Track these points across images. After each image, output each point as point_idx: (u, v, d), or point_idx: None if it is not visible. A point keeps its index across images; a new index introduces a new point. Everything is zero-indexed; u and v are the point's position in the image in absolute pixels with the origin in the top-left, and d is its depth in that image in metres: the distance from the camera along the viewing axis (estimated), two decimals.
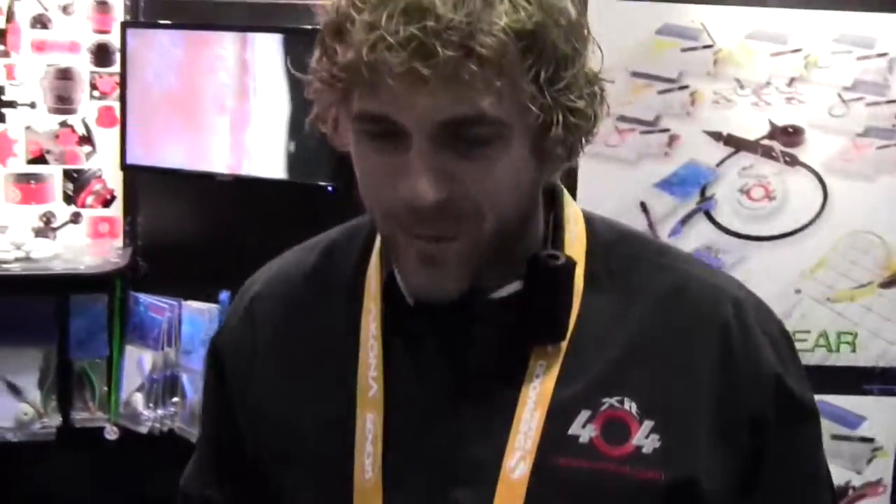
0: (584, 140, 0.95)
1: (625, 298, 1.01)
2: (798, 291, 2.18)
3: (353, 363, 1.01)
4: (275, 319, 1.09)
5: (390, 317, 1.02)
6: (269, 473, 1.07)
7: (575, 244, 1.02)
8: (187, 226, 3.10)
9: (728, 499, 0.99)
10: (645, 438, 0.96)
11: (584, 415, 0.97)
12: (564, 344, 0.98)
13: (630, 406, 0.97)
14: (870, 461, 2.27)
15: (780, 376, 1.00)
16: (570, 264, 0.99)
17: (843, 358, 2.19)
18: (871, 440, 2.25)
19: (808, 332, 2.18)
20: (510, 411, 0.97)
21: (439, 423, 0.98)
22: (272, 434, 1.06)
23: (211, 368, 1.15)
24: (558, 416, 0.97)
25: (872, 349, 2.19)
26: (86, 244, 3.12)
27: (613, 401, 0.97)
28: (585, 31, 0.93)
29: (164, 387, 3.00)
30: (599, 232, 1.04)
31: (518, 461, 0.95)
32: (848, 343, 2.18)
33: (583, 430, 0.96)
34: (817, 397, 2.13)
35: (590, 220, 1.05)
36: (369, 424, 0.99)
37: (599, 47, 0.94)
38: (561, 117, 0.91)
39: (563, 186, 1.05)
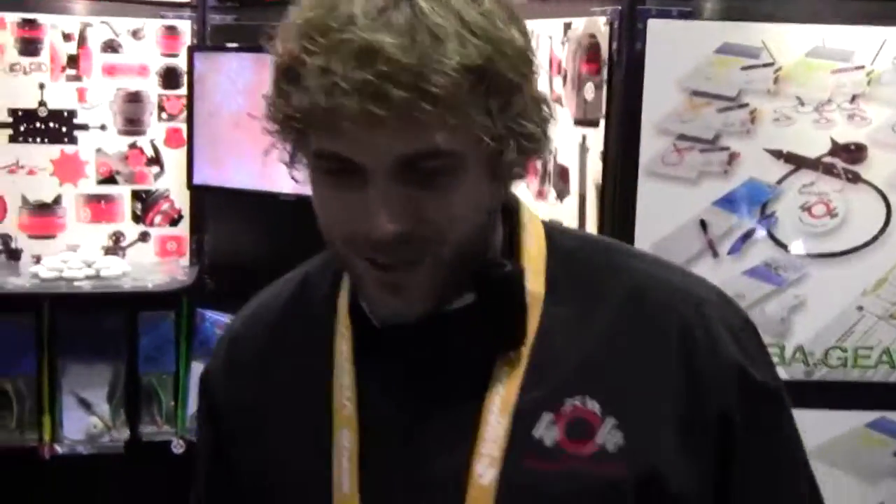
0: (537, 158, 0.99)
1: (586, 304, 1.02)
2: (860, 308, 2.16)
3: (328, 386, 1.04)
4: (253, 358, 1.12)
5: (360, 338, 1.04)
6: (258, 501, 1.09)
7: (533, 253, 1.04)
8: (252, 244, 3.16)
9: (700, 502, 0.99)
10: (608, 435, 0.97)
11: (548, 417, 0.98)
12: (526, 350, 1.00)
13: (592, 405, 0.98)
14: None
15: (743, 368, 1.00)
16: (516, 271, 1.01)
17: None
18: None
19: (870, 348, 2.16)
20: (475, 418, 0.98)
21: (409, 437, 1.00)
22: (258, 465, 1.09)
23: (201, 402, 1.19)
24: (523, 420, 0.98)
25: None
26: (154, 262, 3.19)
27: (576, 401, 0.98)
28: (532, 56, 0.95)
29: None
30: (559, 240, 1.06)
31: (486, 467, 0.97)
32: None
33: (547, 431, 0.98)
34: (879, 414, 2.14)
35: (550, 230, 1.07)
36: (345, 442, 1.01)
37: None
38: (513, 143, 0.93)
39: (518, 198, 1.07)
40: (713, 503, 1.00)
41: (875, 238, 2.17)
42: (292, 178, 1.01)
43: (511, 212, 1.05)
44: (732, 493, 1.00)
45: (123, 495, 3.20)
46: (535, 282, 1.02)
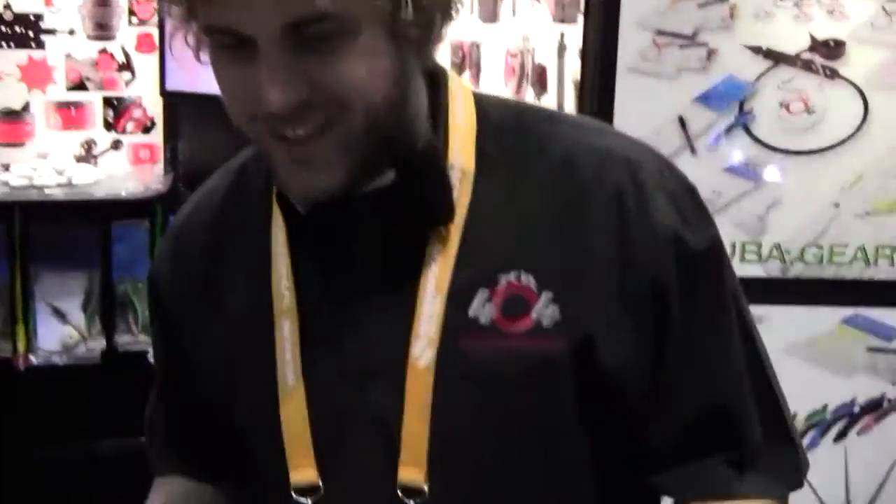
0: (443, 18, 0.95)
1: (517, 176, 0.99)
2: (836, 205, 2.16)
3: (268, 275, 1.03)
4: (198, 251, 1.10)
5: (292, 225, 1.02)
6: (210, 398, 1.09)
7: (461, 125, 1.00)
8: (227, 151, 3.11)
9: (637, 373, 0.98)
10: (545, 310, 0.96)
11: (483, 294, 0.96)
12: (458, 228, 0.97)
13: (528, 280, 0.96)
14: None
15: (679, 235, 0.98)
16: (433, 145, 0.98)
17: (882, 271, 2.18)
18: None
19: (846, 245, 2.17)
20: (411, 300, 0.96)
21: (346, 323, 0.99)
22: (208, 359, 1.08)
23: (150, 300, 1.17)
24: (458, 299, 0.96)
25: None
26: (127, 171, 3.16)
27: (511, 276, 0.96)
28: None
29: None
30: (490, 111, 1.03)
31: (424, 349, 0.95)
32: (886, 256, 2.18)
33: (482, 309, 0.96)
34: (854, 310, 2.16)
35: (480, 100, 1.04)
36: (286, 332, 1.00)
37: None
38: (408, 2, 0.89)
39: (445, 68, 1.03)
40: (650, 373, 0.99)
41: (852, 135, 2.17)
42: (198, 61, 0.97)
43: (437, 82, 1.02)
44: (667, 361, 0.99)
45: (100, 406, 3.19)
46: (464, 157, 0.99)
